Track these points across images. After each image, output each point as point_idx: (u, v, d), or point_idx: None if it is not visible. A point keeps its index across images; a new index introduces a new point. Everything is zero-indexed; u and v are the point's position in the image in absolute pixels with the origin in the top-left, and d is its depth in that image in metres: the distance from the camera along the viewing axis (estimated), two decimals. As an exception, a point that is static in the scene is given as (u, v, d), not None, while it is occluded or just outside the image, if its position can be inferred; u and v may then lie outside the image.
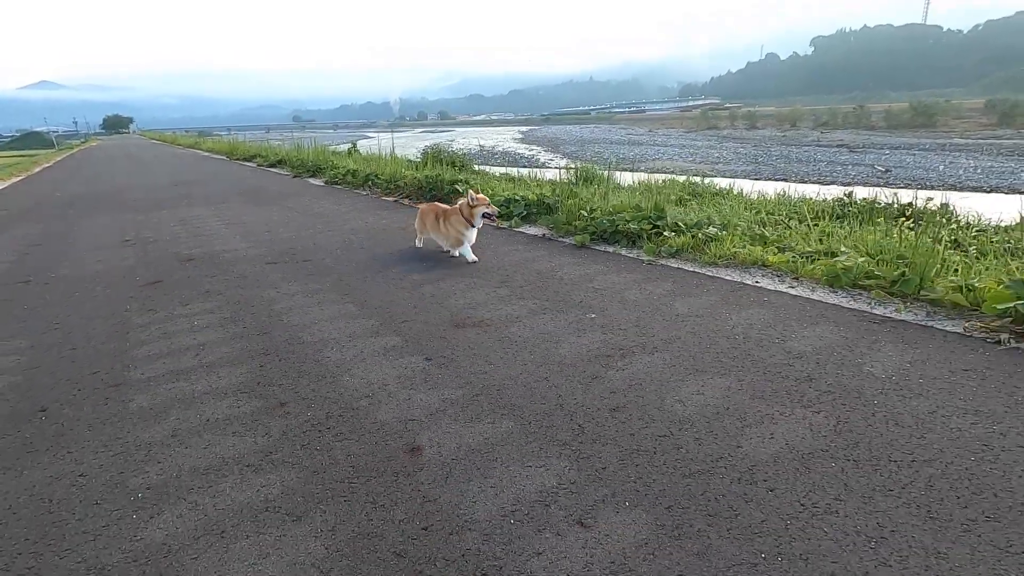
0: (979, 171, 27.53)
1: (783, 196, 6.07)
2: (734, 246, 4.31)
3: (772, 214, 5.13)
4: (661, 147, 44.21)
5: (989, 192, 21.84)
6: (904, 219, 4.09)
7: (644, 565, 1.56)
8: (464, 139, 65.76)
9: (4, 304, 4.37)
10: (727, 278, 3.99)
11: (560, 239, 5.47)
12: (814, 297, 3.53)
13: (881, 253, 3.69)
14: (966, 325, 2.93)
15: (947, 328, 2.96)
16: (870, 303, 3.36)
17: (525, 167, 11.95)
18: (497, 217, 5.01)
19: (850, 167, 30.12)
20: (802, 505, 1.75)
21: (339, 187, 10.37)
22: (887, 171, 28.04)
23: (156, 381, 2.85)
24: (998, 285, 2.96)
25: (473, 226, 4.61)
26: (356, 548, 1.68)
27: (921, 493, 1.77)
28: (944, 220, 4.26)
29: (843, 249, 3.88)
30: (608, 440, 2.14)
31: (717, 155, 36.07)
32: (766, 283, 3.85)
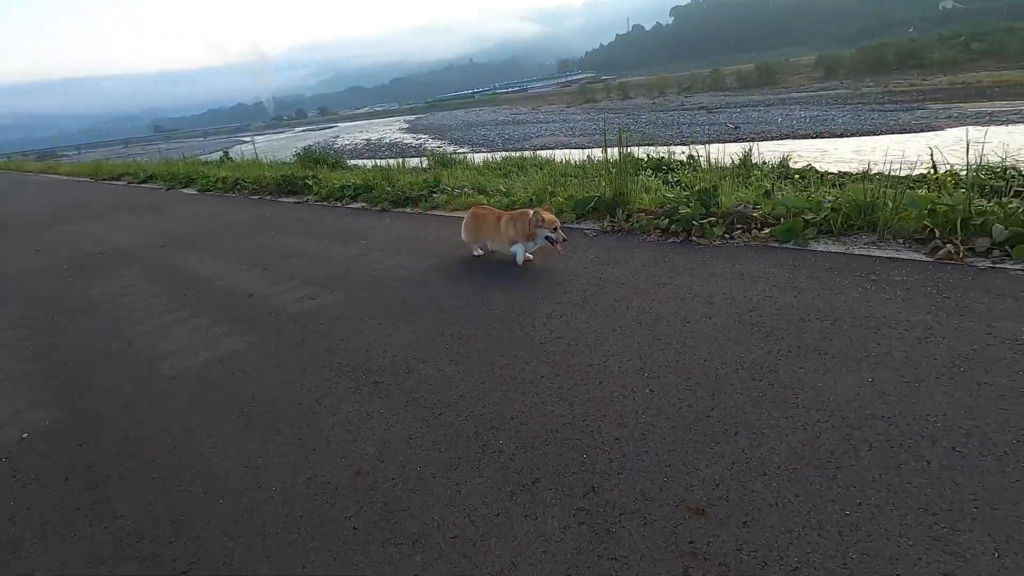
0: (808, 120, 31.81)
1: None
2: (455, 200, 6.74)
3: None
4: (544, 124, 45.99)
5: (815, 138, 25.60)
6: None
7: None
8: (349, 134, 63.93)
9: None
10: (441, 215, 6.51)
11: (372, 208, 7.50)
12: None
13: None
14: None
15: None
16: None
17: (414, 156, 12.78)
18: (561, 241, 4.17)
19: (707, 127, 33.42)
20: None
21: (211, 194, 11.32)
22: (736, 128, 31.58)
23: (110, 300, 3.44)
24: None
25: (533, 241, 4.22)
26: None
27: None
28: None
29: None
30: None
31: (594, 127, 38.30)
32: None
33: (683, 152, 8.40)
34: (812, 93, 51.50)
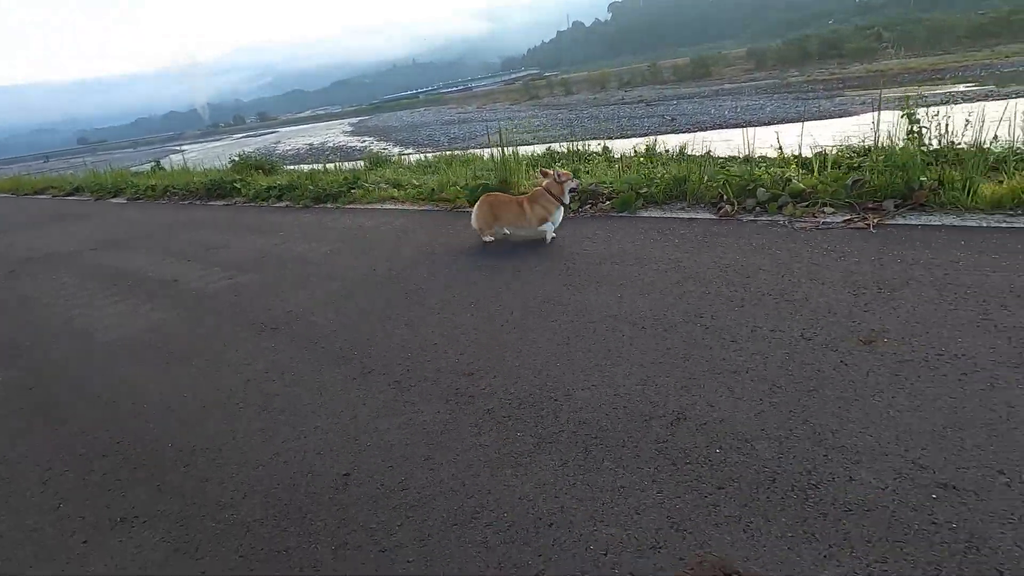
0: (739, 110, 33.83)
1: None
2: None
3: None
4: (488, 122, 46.82)
5: (746, 127, 27.49)
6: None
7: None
8: (291, 139, 62.78)
9: None
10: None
11: (295, 206, 8.22)
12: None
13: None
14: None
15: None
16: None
17: (359, 159, 13.37)
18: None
19: (645, 119, 35.00)
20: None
21: (141, 201, 11.64)
22: (673, 119, 33.35)
23: (46, 295, 4.07)
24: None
25: (563, 204, 4.40)
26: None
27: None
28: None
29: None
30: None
31: (538, 123, 39.31)
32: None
33: (600, 144, 9.10)
34: (743, 84, 54.23)
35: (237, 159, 11.34)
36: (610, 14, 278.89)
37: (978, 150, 4.11)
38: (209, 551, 1.87)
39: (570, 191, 4.41)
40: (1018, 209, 3.53)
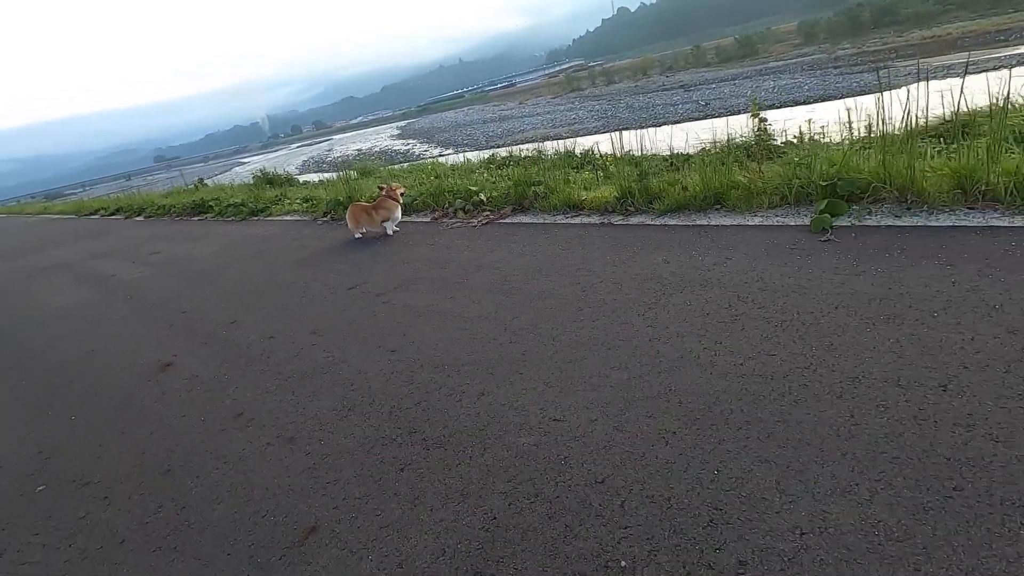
0: (776, 90, 33.03)
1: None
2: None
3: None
4: (528, 118, 47.31)
5: (779, 108, 27.00)
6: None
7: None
8: (342, 145, 65.76)
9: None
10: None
11: (236, 218, 9.42)
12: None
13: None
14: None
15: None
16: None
17: (402, 161, 14.53)
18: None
19: (680, 106, 34.72)
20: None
21: (152, 219, 13.45)
22: (707, 104, 32.93)
23: (41, 285, 5.51)
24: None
25: (399, 203, 5.90)
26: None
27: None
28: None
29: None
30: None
31: (574, 116, 39.76)
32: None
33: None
34: (788, 61, 52.29)
35: (259, 174, 12.85)
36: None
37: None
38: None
39: (401, 194, 5.93)
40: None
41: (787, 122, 6.27)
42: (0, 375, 4.18)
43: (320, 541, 1.78)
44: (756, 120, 5.53)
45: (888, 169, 3.48)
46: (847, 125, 5.05)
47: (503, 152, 9.37)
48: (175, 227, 10.59)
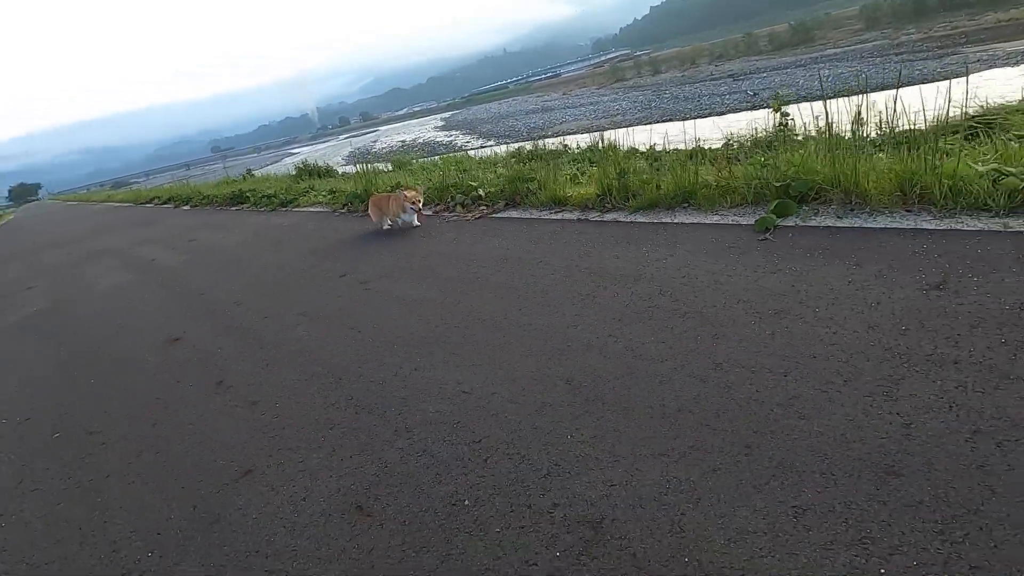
0: (829, 79, 31.75)
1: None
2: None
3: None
4: (570, 109, 47.09)
5: (818, 99, 25.95)
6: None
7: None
8: (387, 137, 67.28)
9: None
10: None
11: (267, 209, 10.10)
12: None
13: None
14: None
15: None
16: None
17: (443, 153, 15.07)
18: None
19: (727, 96, 33.80)
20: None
21: (197, 208, 14.43)
22: (755, 95, 31.95)
23: (91, 269, 5.99)
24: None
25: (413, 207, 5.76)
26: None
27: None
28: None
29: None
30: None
31: (617, 107, 39.37)
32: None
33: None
34: (847, 48, 49.91)
35: (302, 166, 13.38)
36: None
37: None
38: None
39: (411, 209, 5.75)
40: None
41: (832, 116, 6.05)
42: (44, 348, 4.81)
43: (251, 480, 2.18)
44: (778, 115, 5.43)
45: (836, 170, 3.60)
46: (856, 119, 5.07)
47: (528, 146, 9.65)
48: (214, 216, 11.42)
